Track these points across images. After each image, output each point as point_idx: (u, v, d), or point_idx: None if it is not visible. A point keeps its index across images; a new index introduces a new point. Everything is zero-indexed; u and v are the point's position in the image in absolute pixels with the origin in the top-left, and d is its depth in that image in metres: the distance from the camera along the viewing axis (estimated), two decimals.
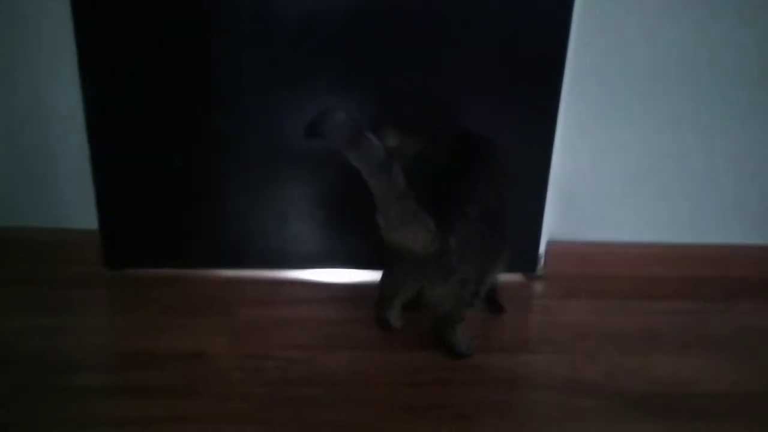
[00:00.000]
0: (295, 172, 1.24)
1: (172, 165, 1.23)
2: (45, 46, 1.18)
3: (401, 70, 1.18)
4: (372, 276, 1.30)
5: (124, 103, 1.18)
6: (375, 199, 0.95)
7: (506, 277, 1.33)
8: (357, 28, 1.15)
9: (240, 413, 0.90)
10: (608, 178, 1.34)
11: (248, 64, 1.17)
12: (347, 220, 1.28)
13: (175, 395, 0.94)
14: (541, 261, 1.35)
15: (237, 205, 1.26)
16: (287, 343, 1.08)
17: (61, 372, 0.98)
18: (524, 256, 1.33)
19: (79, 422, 0.87)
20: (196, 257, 1.30)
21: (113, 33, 1.14)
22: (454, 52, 1.18)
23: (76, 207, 1.29)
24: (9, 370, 0.98)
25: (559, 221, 1.34)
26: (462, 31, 1.16)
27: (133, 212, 1.26)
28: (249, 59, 1.16)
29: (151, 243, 1.29)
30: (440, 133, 1.19)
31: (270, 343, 1.08)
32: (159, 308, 1.17)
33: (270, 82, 1.18)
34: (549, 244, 1.34)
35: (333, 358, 1.04)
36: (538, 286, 1.33)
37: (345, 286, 1.30)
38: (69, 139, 1.24)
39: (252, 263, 1.31)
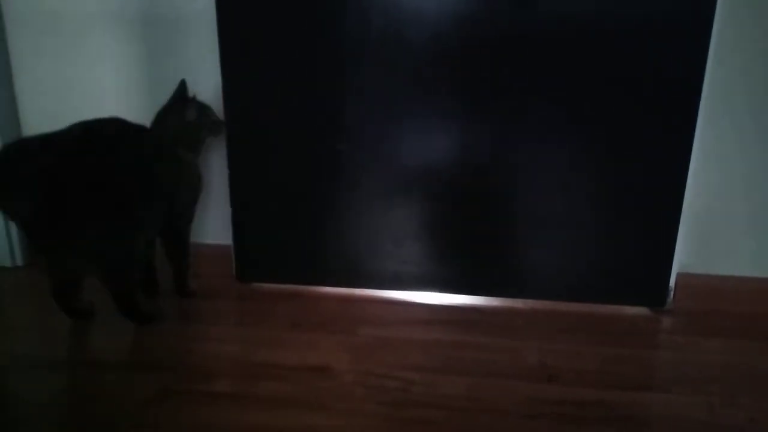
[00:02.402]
0: (411, 197, 1.27)
1: (298, 188, 1.29)
2: (195, 79, 1.30)
3: (521, 98, 1.18)
4: (482, 301, 1.31)
5: (260, 133, 1.27)
6: None
7: (633, 311, 1.28)
8: (479, 55, 1.16)
9: (364, 430, 0.92)
10: (744, 209, 1.25)
11: (370, 91, 1.21)
12: (459, 245, 1.29)
13: (302, 407, 0.97)
14: (671, 295, 1.27)
15: (356, 226, 1.30)
16: (406, 364, 1.09)
17: (199, 379, 1.05)
18: (653, 290, 1.27)
19: (218, 428, 0.93)
20: (317, 274, 1.36)
21: (254, 68, 1.23)
22: (579, 77, 1.16)
23: (213, 224, 1.40)
24: (153, 374, 1.06)
25: (691, 253, 1.26)
26: (588, 55, 1.15)
27: (263, 231, 1.34)
28: (372, 87, 1.21)
29: (277, 259, 1.36)
30: None
31: (390, 362, 1.10)
32: (285, 322, 1.23)
33: (390, 109, 1.22)
34: (679, 276, 1.27)
35: (452, 382, 1.04)
36: (667, 321, 1.26)
37: (457, 310, 1.30)
38: (210, 164, 1.34)
39: (369, 283, 1.34)
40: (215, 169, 1.35)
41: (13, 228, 1.40)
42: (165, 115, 1.25)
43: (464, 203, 1.27)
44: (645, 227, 1.23)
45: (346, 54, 1.20)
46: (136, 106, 1.36)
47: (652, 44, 1.13)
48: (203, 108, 1.28)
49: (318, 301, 1.32)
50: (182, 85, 1.25)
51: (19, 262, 1.43)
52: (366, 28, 1.17)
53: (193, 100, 1.26)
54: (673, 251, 1.23)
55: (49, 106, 1.37)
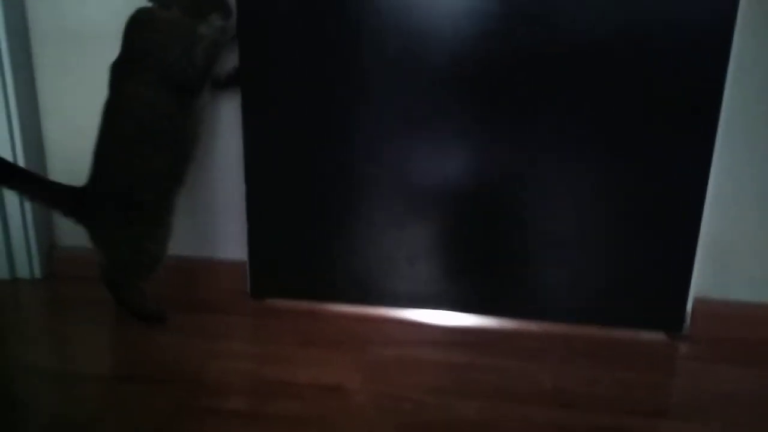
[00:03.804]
0: (425, 215, 1.27)
1: (314, 205, 1.30)
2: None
3: (537, 118, 1.18)
4: (497, 322, 1.30)
5: (278, 150, 1.28)
6: None
7: (649, 335, 1.27)
8: (495, 75, 1.17)
9: None
10: (762, 234, 1.24)
11: (386, 109, 1.22)
12: (473, 264, 1.29)
13: (314, 427, 0.97)
14: (688, 320, 1.26)
15: (370, 243, 1.30)
16: (419, 384, 1.09)
17: (212, 396, 1.05)
18: (670, 314, 1.26)
19: None
20: (330, 292, 1.36)
21: (272, 86, 1.24)
22: (595, 98, 1.16)
23: (227, 239, 1.41)
24: (168, 389, 1.06)
25: (708, 278, 1.25)
26: (604, 76, 1.15)
27: (277, 247, 1.35)
28: (387, 106, 1.22)
29: (291, 276, 1.36)
30: None
31: (403, 383, 1.09)
32: (298, 339, 1.23)
33: (405, 128, 1.22)
34: (696, 302, 1.25)
35: (465, 405, 1.04)
36: (684, 347, 1.25)
37: (472, 330, 1.29)
38: (227, 179, 1.36)
39: (382, 301, 1.34)
40: (230, 184, 1.36)
41: (33, 239, 1.42)
42: None
43: (479, 222, 1.27)
44: (662, 250, 1.22)
45: (363, 74, 1.21)
46: None
47: (669, 66, 1.13)
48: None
49: (331, 319, 1.32)
50: None
51: (37, 274, 1.44)
52: (382, 49, 1.18)
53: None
54: (691, 275, 1.22)
55: (72, 123, 1.39)
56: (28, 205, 1.40)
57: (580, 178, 1.20)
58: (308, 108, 1.24)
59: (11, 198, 1.37)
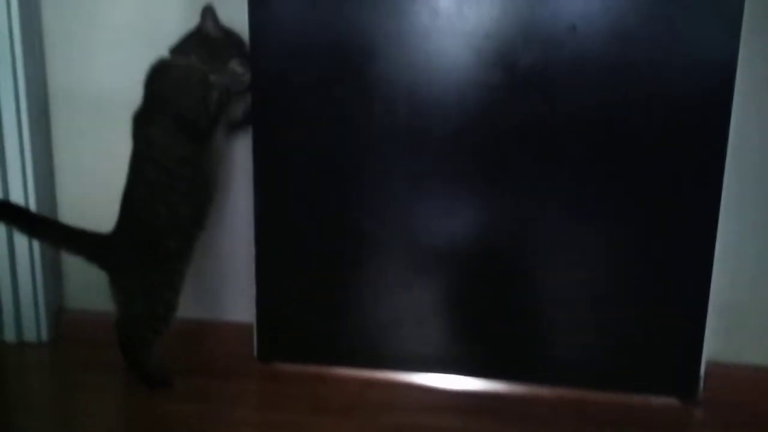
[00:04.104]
0: (433, 278, 1.28)
1: (322, 268, 1.31)
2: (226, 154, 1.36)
3: (544, 181, 1.20)
4: (507, 387, 1.29)
5: (288, 213, 1.30)
6: None
7: (661, 401, 1.25)
8: (502, 138, 1.19)
9: None
10: None
11: (396, 174, 1.24)
12: (483, 328, 1.28)
13: None
14: (701, 385, 1.24)
15: (378, 307, 1.30)
16: None
17: None
18: (683, 379, 1.24)
19: None
20: (338, 355, 1.34)
21: (285, 148, 1.27)
22: (599, 162, 1.18)
23: (233, 302, 1.41)
24: None
25: (719, 341, 1.24)
26: (608, 142, 1.17)
27: (285, 310, 1.34)
28: (397, 170, 1.24)
29: (298, 340, 1.36)
30: None
31: None
32: (306, 406, 1.22)
33: (414, 191, 1.24)
34: (708, 366, 1.24)
35: None
36: (698, 413, 1.22)
37: (482, 396, 1.27)
38: (233, 242, 1.38)
39: (391, 365, 1.33)
40: (237, 246, 1.37)
41: (42, 303, 1.42)
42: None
43: (488, 285, 1.27)
44: (673, 314, 1.21)
45: (372, 140, 1.24)
46: None
47: (673, 132, 1.15)
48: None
49: (339, 384, 1.30)
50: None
51: (45, 337, 1.44)
52: (392, 115, 1.21)
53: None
54: (703, 339, 1.21)
55: (86, 185, 1.42)
56: (38, 266, 1.41)
57: (589, 243, 1.21)
58: (318, 172, 1.27)
59: (22, 259, 1.39)
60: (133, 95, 1.27)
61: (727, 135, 1.14)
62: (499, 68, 1.15)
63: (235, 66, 1.21)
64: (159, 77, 1.20)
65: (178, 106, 1.18)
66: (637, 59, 1.12)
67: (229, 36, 1.22)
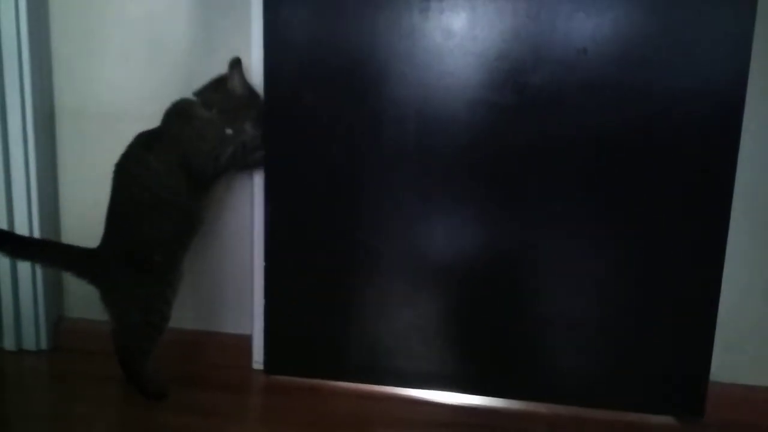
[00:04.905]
0: (436, 295, 1.28)
1: (328, 286, 1.31)
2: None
3: (550, 200, 1.21)
4: (505, 404, 1.28)
5: (297, 231, 1.31)
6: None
7: (660, 420, 1.24)
8: (510, 159, 1.21)
9: None
10: None
11: (405, 191, 1.25)
12: (483, 344, 1.29)
13: None
14: (706, 406, 1.23)
15: (378, 322, 1.31)
16: None
17: None
18: (686, 398, 1.24)
19: None
20: (335, 369, 1.34)
21: (296, 169, 1.28)
22: (607, 182, 1.19)
23: (232, 314, 1.41)
24: None
25: (719, 361, 1.24)
26: (617, 161, 1.18)
27: (292, 324, 1.35)
28: (404, 189, 1.25)
29: (301, 353, 1.36)
30: None
31: None
32: (303, 420, 1.21)
33: (423, 209, 1.25)
34: (710, 386, 1.24)
35: None
36: None
37: (479, 412, 1.28)
38: (234, 254, 1.39)
39: (388, 380, 1.33)
40: (237, 259, 1.38)
41: (42, 312, 1.43)
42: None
43: (489, 303, 1.27)
44: (679, 333, 1.22)
45: (382, 157, 1.25)
46: None
47: (681, 153, 1.16)
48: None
49: (337, 398, 1.30)
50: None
51: (44, 345, 1.44)
52: (402, 134, 1.23)
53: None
54: (710, 359, 1.21)
55: (90, 199, 1.42)
56: (39, 276, 1.41)
57: (592, 262, 1.22)
58: (328, 189, 1.28)
59: (23, 267, 1.39)
60: (138, 110, 1.29)
61: (736, 159, 1.16)
62: (509, 89, 1.17)
63: (249, 128, 1.23)
64: (179, 121, 1.22)
65: (189, 153, 1.20)
66: (647, 81, 1.14)
67: (251, 96, 1.25)
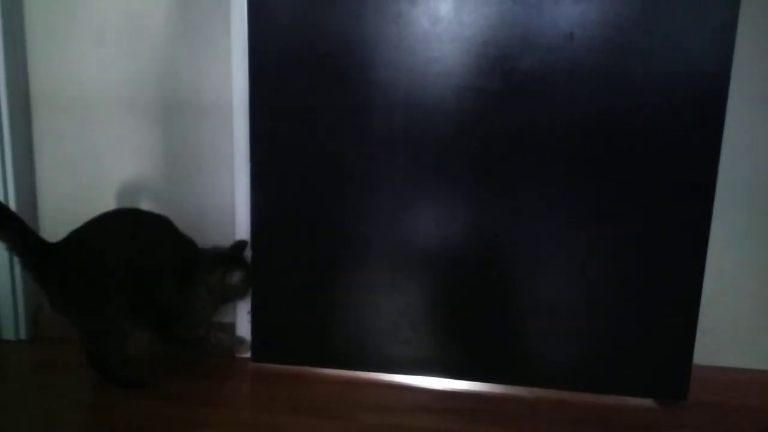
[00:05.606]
0: (420, 281, 1.28)
1: (315, 274, 1.31)
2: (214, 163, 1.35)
3: (537, 188, 1.21)
4: (488, 388, 1.29)
5: (283, 218, 1.30)
6: None
7: (642, 402, 1.26)
8: (498, 145, 1.21)
9: None
10: (755, 301, 1.26)
11: (392, 178, 1.25)
12: (466, 330, 1.29)
13: None
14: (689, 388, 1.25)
15: (362, 309, 1.31)
16: None
17: None
18: (669, 381, 1.26)
19: None
20: (318, 356, 1.34)
21: (281, 154, 1.27)
22: (594, 169, 1.20)
23: None
24: None
25: (700, 345, 1.25)
26: (604, 148, 1.19)
27: (279, 312, 1.34)
28: (393, 174, 1.24)
29: (285, 340, 1.35)
30: None
31: None
32: (286, 406, 1.21)
33: (410, 196, 1.25)
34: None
35: None
36: (679, 415, 1.24)
37: (462, 396, 1.29)
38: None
39: (372, 366, 1.33)
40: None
41: (21, 301, 1.40)
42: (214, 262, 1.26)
43: (474, 289, 1.28)
44: (662, 316, 1.23)
45: (369, 144, 1.24)
46: (153, 189, 1.40)
47: (665, 141, 1.17)
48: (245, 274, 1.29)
49: (321, 385, 1.30)
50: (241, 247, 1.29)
51: (23, 336, 1.42)
52: (389, 120, 1.22)
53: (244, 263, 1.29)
54: (693, 342, 1.23)
55: (67, 186, 1.40)
56: (17, 266, 1.39)
57: (577, 248, 1.23)
58: (314, 176, 1.27)
59: (1, 256, 1.36)
60: (114, 95, 1.26)
61: (720, 143, 1.16)
62: (496, 74, 1.17)
63: (236, 277, 1.26)
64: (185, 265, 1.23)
65: (179, 313, 1.24)
66: (633, 67, 1.15)
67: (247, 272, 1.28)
